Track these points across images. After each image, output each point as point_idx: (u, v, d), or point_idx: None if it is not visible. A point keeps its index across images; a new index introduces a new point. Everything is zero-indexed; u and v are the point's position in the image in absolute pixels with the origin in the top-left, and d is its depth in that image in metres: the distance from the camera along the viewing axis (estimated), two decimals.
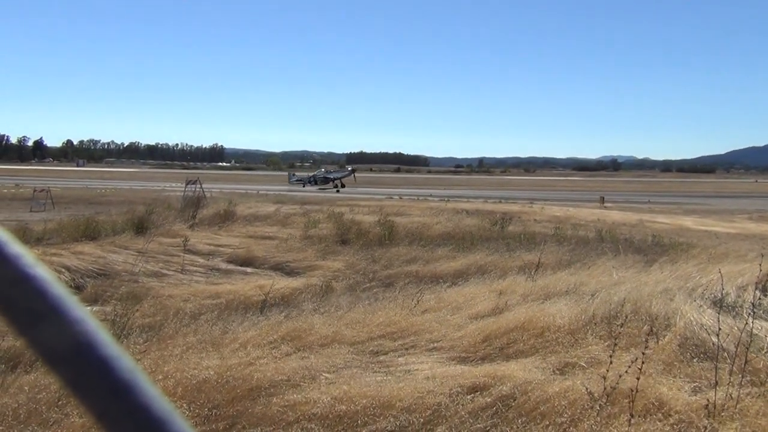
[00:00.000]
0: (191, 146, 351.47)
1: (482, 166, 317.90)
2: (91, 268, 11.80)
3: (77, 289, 10.65)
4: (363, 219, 20.80)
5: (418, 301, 8.11)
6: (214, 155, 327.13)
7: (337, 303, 8.45)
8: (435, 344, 6.43)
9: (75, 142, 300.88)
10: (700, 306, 7.48)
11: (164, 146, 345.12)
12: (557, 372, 5.56)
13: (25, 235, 14.37)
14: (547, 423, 4.49)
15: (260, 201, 31.75)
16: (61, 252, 12.60)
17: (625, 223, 24.07)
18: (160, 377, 5.00)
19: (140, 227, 16.46)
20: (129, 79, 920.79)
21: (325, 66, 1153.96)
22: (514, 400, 4.88)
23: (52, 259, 11.67)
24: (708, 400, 4.52)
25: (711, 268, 10.04)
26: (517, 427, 4.48)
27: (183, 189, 30.57)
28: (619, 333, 5.93)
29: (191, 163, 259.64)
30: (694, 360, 5.86)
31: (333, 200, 35.77)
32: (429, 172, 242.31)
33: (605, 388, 4.60)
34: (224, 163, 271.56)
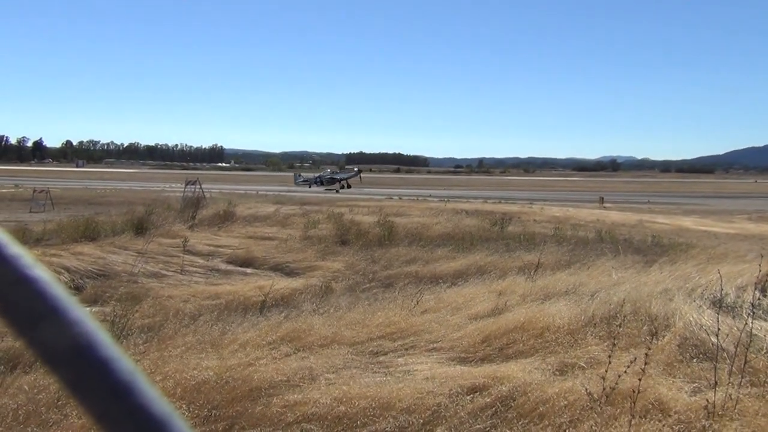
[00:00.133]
0: (191, 147, 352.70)
1: (482, 166, 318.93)
2: (91, 269, 11.79)
3: (77, 289, 10.63)
4: (363, 219, 20.81)
5: (417, 302, 8.10)
6: (213, 156, 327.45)
7: (337, 303, 8.45)
8: (434, 345, 6.43)
9: (74, 143, 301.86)
10: (700, 306, 7.49)
11: (164, 147, 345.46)
12: (557, 372, 5.56)
13: (24, 235, 14.36)
14: (547, 423, 4.49)
15: (260, 201, 31.77)
16: (61, 253, 12.59)
17: (625, 223, 24.07)
18: (160, 378, 5.00)
19: (140, 228, 16.46)
20: (129, 80, 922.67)
21: (325, 66, 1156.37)
22: (514, 400, 4.88)
23: (51, 259, 11.66)
24: (707, 400, 4.52)
25: (710, 268, 10.04)
26: (517, 428, 4.48)
27: (182, 189, 30.60)
28: (619, 333, 5.94)
29: (191, 164, 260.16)
30: (694, 360, 5.87)
31: (333, 201, 35.79)
32: (428, 172, 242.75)
33: (605, 389, 4.60)
34: (224, 164, 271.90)
